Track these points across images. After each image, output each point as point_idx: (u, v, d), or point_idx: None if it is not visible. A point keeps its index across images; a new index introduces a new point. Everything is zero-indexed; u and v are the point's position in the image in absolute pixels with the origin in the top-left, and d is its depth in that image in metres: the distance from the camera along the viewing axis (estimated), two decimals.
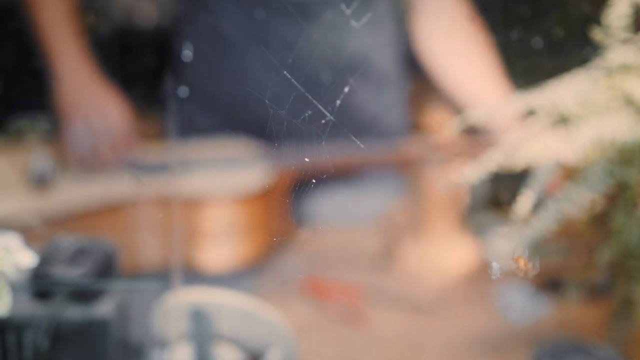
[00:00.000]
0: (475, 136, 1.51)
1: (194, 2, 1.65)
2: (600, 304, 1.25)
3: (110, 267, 1.07)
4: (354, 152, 1.49)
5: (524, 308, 1.32)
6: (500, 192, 1.46)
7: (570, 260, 1.21)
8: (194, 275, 1.41)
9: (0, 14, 1.81)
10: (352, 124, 0.97)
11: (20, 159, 1.50)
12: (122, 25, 1.99)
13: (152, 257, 1.42)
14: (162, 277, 1.20)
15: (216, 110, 1.63)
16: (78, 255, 1.04)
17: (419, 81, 1.69)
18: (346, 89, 1.00)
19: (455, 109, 1.60)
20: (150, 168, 1.49)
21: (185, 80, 1.62)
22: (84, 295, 1.02)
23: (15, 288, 0.96)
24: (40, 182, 1.44)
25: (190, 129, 1.59)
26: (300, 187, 0.92)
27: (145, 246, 1.42)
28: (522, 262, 0.93)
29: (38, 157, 1.46)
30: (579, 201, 1.01)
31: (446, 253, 1.50)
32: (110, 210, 1.42)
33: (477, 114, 1.12)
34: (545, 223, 1.00)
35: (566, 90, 1.06)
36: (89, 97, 1.54)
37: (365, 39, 1.58)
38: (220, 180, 1.48)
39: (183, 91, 1.46)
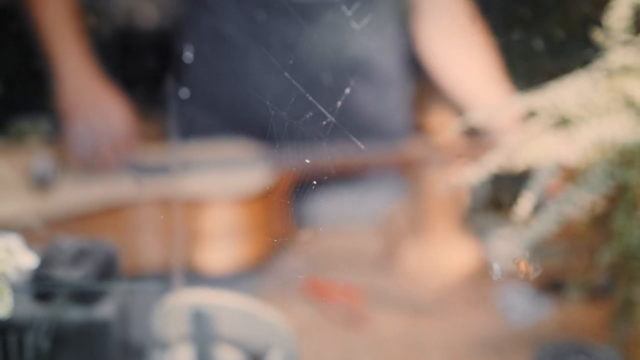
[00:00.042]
0: (476, 137, 1.51)
1: (195, 4, 1.65)
2: (601, 306, 1.25)
3: (111, 268, 1.07)
4: (355, 154, 1.49)
5: (525, 309, 1.32)
6: (501, 193, 1.46)
7: (571, 262, 1.21)
8: (194, 277, 1.41)
9: (1, 15, 1.81)
10: (353, 126, 0.97)
11: (21, 161, 1.50)
12: (123, 27, 1.99)
13: (152, 259, 1.42)
14: (163, 279, 1.20)
15: (217, 112, 1.63)
16: (79, 256, 1.04)
17: (421, 82, 1.69)
18: (347, 91, 1.00)
19: (457, 110, 1.60)
20: (151, 169, 1.49)
21: (187, 82, 1.62)
22: (85, 296, 1.02)
23: (16, 289, 0.96)
24: (41, 184, 1.44)
25: (191, 130, 1.59)
26: (301, 188, 0.93)
27: (146, 247, 1.42)
28: (523, 266, 0.93)
29: (39, 158, 1.46)
30: (580, 203, 1.01)
31: (447, 254, 1.50)
32: (111, 212, 1.42)
33: (478, 116, 1.12)
34: (546, 224, 1.00)
35: (567, 92, 1.06)
36: (90, 98, 1.54)
37: (366, 40, 1.58)
38: (221, 182, 1.48)
39: (184, 92, 1.46)
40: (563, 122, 1.07)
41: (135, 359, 1.13)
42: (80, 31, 1.57)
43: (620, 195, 1.05)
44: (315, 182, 0.89)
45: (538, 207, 1.03)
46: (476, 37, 1.58)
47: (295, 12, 1.52)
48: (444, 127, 1.61)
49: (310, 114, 0.87)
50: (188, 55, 1.61)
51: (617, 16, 1.06)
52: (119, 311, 1.03)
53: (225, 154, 1.55)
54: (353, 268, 1.47)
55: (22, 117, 1.63)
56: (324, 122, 0.87)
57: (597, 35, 1.08)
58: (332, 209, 1.60)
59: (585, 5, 1.33)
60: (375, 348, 1.27)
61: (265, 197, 1.47)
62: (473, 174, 1.06)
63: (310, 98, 0.88)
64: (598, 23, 1.08)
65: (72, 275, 1.01)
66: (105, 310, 1.02)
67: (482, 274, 1.44)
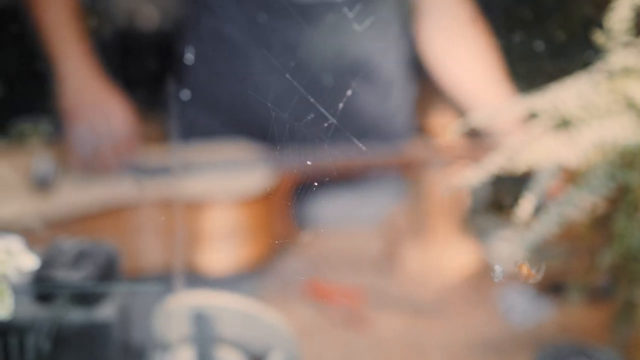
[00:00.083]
0: (477, 139, 1.51)
1: (196, 5, 1.65)
2: (602, 307, 1.25)
3: (112, 270, 1.07)
4: (356, 155, 1.49)
5: (526, 311, 1.32)
6: (502, 194, 1.46)
7: (572, 263, 1.21)
8: (195, 278, 1.41)
9: (3, 16, 1.81)
10: (354, 127, 0.97)
11: (23, 162, 1.50)
12: (124, 28, 1.99)
13: (154, 260, 1.42)
14: (164, 280, 1.20)
15: (218, 113, 1.63)
16: (80, 258, 1.04)
17: (422, 84, 1.69)
18: (349, 92, 1.00)
19: (459, 111, 1.60)
20: (152, 170, 1.49)
21: (187, 83, 1.62)
22: (86, 298, 1.02)
23: (17, 291, 0.96)
24: (42, 185, 1.44)
25: (192, 131, 1.59)
26: (302, 189, 0.93)
27: (147, 249, 1.42)
28: (525, 269, 0.92)
29: (40, 159, 1.46)
30: (581, 204, 1.01)
31: (447, 255, 1.50)
32: (112, 213, 1.42)
33: (479, 117, 1.12)
34: (547, 226, 1.00)
35: (568, 94, 1.06)
36: (91, 99, 1.54)
37: (368, 41, 1.58)
38: (222, 183, 1.48)
39: (185, 94, 1.46)
40: (564, 124, 1.07)
41: None
42: (81, 32, 1.57)
43: (621, 196, 1.05)
44: (316, 184, 0.89)
45: (539, 209, 1.03)
46: (478, 39, 1.58)
47: (296, 14, 1.52)
48: (445, 128, 1.61)
49: (312, 115, 0.87)
50: (189, 56, 1.61)
51: (618, 18, 1.07)
52: (120, 312, 1.03)
53: (226, 155, 1.55)
54: (354, 269, 1.47)
55: (23, 118, 1.63)
56: (325, 124, 0.87)
57: (598, 37, 1.08)
58: (333, 210, 1.60)
59: (586, 7, 1.33)
60: (376, 349, 1.27)
61: (266, 199, 1.47)
62: (474, 175, 1.06)
63: (312, 99, 0.88)
64: (599, 24, 1.08)
65: (73, 276, 1.01)
66: (106, 311, 1.02)
67: (483, 275, 1.44)
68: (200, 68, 1.62)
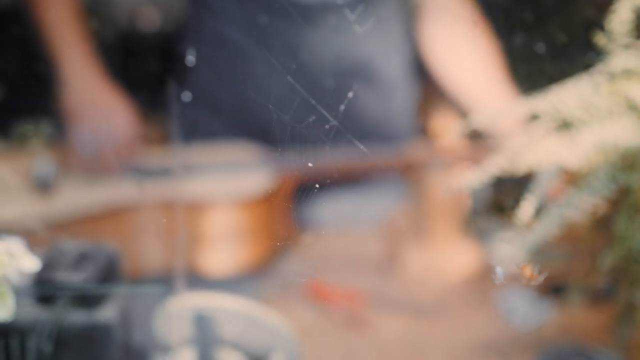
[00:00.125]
0: (479, 141, 1.51)
1: (198, 7, 1.65)
2: (603, 309, 1.25)
3: (113, 271, 1.07)
4: (357, 157, 1.49)
5: (527, 312, 1.32)
6: (503, 196, 1.46)
7: (573, 265, 1.21)
8: (196, 280, 1.41)
9: (4, 18, 1.82)
10: (356, 129, 0.97)
11: (24, 164, 1.50)
12: (126, 30, 1.99)
13: (155, 262, 1.42)
14: (165, 282, 1.20)
15: (220, 115, 1.63)
16: (81, 259, 1.04)
17: (424, 85, 1.69)
18: (350, 94, 1.00)
19: (461, 113, 1.60)
20: (154, 172, 1.49)
21: (189, 85, 1.62)
22: (87, 299, 1.02)
23: (18, 292, 0.96)
24: (43, 187, 1.44)
25: (193, 133, 1.59)
26: (303, 191, 0.93)
27: (148, 251, 1.42)
28: (527, 271, 0.92)
29: (41, 161, 1.46)
30: (582, 206, 1.01)
31: (449, 257, 1.50)
32: (114, 215, 1.43)
33: (481, 119, 1.12)
34: (548, 228, 1.00)
35: (569, 95, 1.06)
36: (93, 100, 1.54)
37: (370, 43, 1.58)
38: (223, 185, 1.48)
39: (187, 95, 1.46)
40: (565, 126, 1.07)
41: None
42: (83, 33, 1.57)
43: (623, 198, 1.05)
44: (317, 185, 0.89)
45: (540, 211, 1.03)
46: (479, 40, 1.58)
47: (297, 15, 1.52)
48: (446, 130, 1.60)
49: (313, 117, 0.87)
50: (190, 58, 1.61)
51: (619, 19, 1.07)
52: (121, 314, 1.03)
53: (227, 157, 1.55)
54: (355, 271, 1.47)
55: (24, 119, 1.63)
56: (327, 125, 0.87)
57: (599, 39, 1.08)
58: (334, 212, 1.60)
59: (588, 9, 1.33)
60: (377, 351, 1.27)
61: (267, 200, 1.47)
62: (475, 177, 1.06)
63: (313, 101, 0.89)
64: (600, 26, 1.08)
65: (74, 278, 1.01)
66: (107, 313, 1.02)
67: (484, 277, 1.44)
68: (202, 69, 1.62)
